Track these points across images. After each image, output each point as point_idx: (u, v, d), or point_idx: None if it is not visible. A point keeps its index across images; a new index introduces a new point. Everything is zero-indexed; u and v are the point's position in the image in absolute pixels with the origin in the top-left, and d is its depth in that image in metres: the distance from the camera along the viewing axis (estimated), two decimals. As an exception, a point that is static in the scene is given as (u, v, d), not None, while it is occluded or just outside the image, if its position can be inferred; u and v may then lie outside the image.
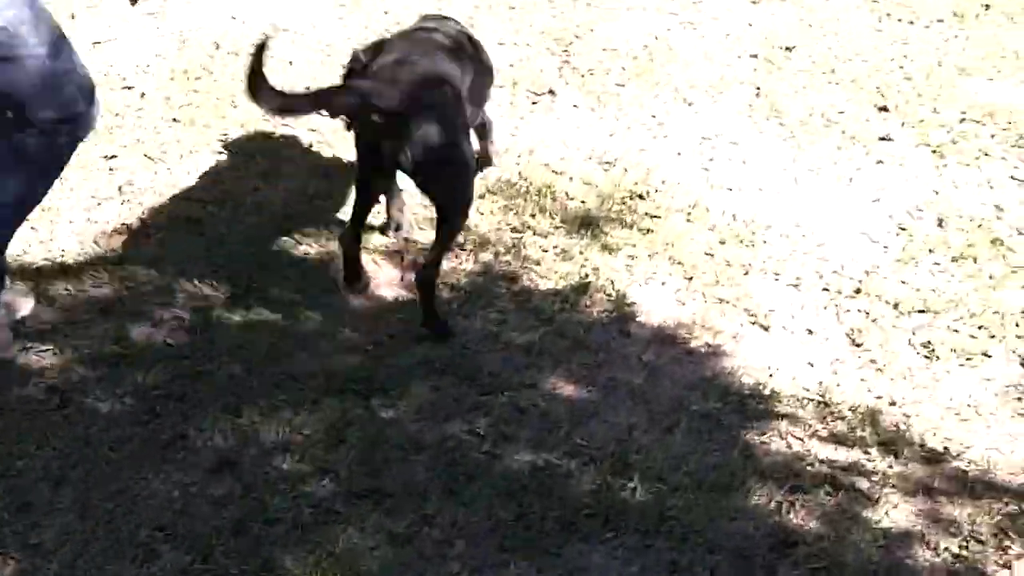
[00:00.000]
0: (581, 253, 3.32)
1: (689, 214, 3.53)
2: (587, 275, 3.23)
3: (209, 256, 3.24)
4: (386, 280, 3.21)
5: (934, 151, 3.99)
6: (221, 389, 2.79)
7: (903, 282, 3.29)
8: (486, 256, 3.30)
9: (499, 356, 2.92)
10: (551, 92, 4.21)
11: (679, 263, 3.30)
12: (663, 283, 3.23)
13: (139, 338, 2.96)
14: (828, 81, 4.43)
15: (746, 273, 3.29)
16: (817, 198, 3.68)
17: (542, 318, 3.07)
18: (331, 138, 3.81)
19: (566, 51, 4.52)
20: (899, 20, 4.99)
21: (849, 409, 2.81)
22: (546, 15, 4.84)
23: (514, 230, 3.41)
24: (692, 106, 4.19)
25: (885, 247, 3.46)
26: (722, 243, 3.41)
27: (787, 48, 4.64)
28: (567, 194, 3.59)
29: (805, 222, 3.55)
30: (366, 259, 3.25)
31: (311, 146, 3.82)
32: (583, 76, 4.34)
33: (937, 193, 3.75)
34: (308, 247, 3.31)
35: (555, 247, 3.34)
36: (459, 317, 3.06)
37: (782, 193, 3.70)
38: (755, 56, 4.56)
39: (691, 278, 3.25)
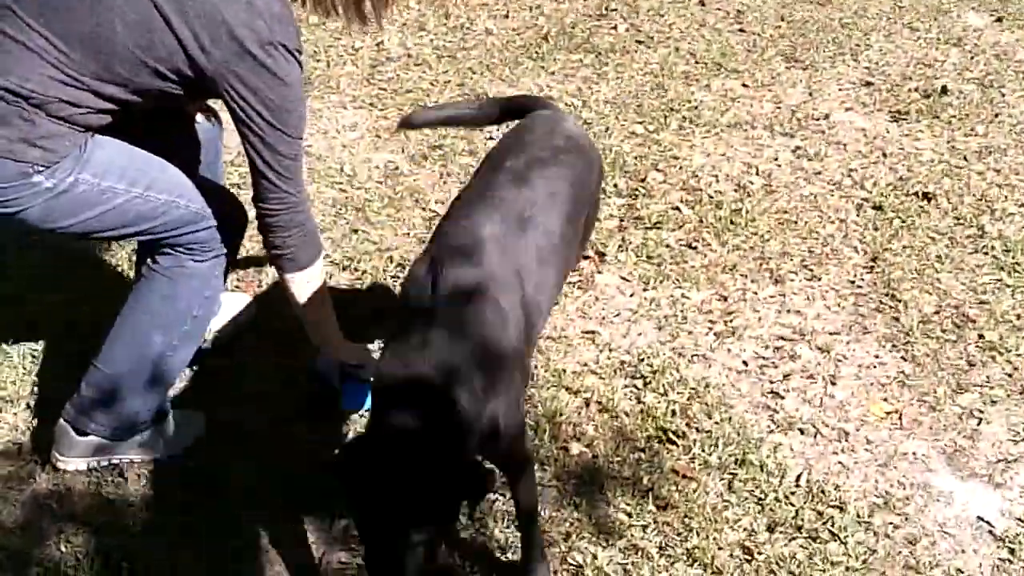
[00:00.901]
0: (566, 539, 2.43)
1: (734, 475, 2.58)
2: (564, 583, 2.35)
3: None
4: None
5: (1112, 376, 2.89)
6: None
7: (1029, 624, 2.27)
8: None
9: None
10: (599, 255, 3.32)
11: (702, 564, 2.37)
12: (671, 602, 2.32)
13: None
14: (973, 248, 3.35)
15: (796, 590, 2.34)
16: (924, 453, 2.67)
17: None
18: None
19: (636, 190, 3.61)
20: (1091, 151, 3.84)
21: None
22: (625, 132, 3.94)
23: (490, 486, 2.57)
24: (779, 285, 3.21)
25: (1011, 549, 2.43)
26: (771, 530, 2.45)
27: (925, 196, 3.58)
28: (573, 429, 2.71)
29: (900, 495, 2.55)
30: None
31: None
32: (647, 230, 3.42)
33: (1104, 455, 2.67)
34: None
35: (534, 523, 2.47)
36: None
37: (875, 442, 2.69)
38: (879, 208, 3.52)
39: (712, 595, 2.32)
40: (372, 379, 2.07)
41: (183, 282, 2.46)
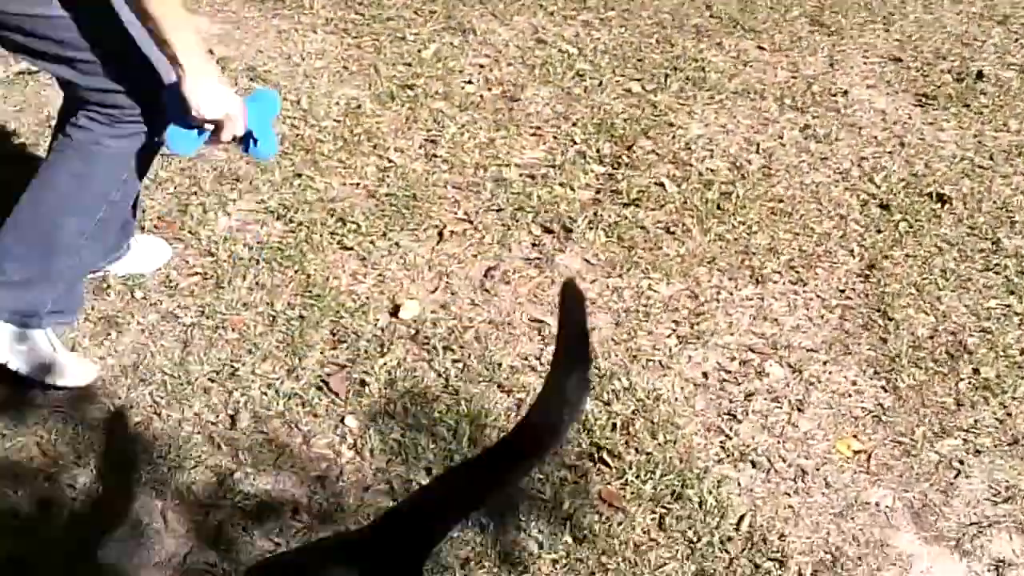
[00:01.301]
0: (463, 566, 2.14)
1: (667, 511, 2.25)
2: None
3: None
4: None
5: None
6: None
7: None
8: None
9: None
10: (565, 231, 2.99)
11: (612, 615, 2.09)
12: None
13: None
14: (984, 265, 2.99)
15: (712, 660, 2.05)
16: (888, 505, 2.34)
17: None
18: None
19: (620, 158, 3.26)
20: None
21: None
22: (620, 89, 3.57)
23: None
24: (760, 285, 2.87)
25: (971, 636, 2.12)
26: (698, 582, 2.15)
27: (939, 197, 3.21)
28: (498, 435, 2.40)
29: (851, 553, 2.23)
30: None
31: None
32: (624, 206, 3.08)
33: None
34: None
35: None
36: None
37: (835, 486, 2.37)
38: (886, 207, 3.16)
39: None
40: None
41: (99, 161, 2.21)
